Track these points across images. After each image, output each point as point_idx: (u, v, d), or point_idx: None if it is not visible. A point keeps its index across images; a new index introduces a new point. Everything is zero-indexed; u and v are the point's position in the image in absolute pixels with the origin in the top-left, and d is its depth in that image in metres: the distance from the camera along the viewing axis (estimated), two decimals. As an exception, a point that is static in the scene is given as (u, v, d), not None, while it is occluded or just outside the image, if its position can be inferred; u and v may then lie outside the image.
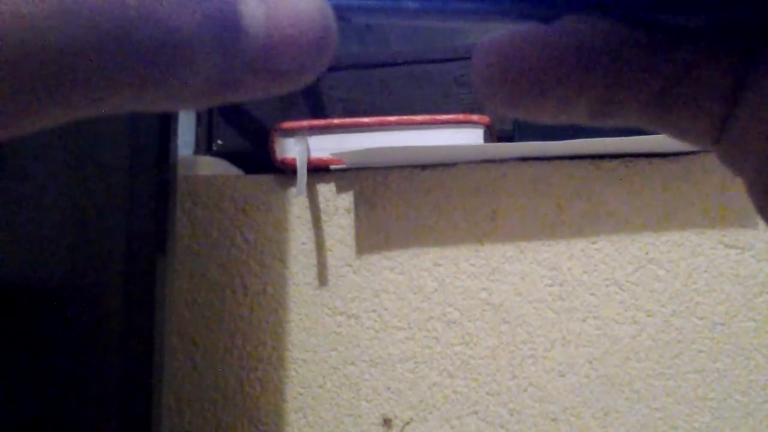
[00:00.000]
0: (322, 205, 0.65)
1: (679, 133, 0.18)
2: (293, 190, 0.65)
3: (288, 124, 0.64)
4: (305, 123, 0.64)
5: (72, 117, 0.14)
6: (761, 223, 0.60)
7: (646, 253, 0.61)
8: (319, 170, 0.64)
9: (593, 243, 0.62)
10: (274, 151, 0.64)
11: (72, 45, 0.13)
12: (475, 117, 0.62)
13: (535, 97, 0.17)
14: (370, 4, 0.17)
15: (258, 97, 0.16)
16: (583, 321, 0.61)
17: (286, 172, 0.65)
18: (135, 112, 0.15)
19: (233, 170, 0.69)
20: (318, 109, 0.68)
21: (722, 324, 0.60)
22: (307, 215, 0.65)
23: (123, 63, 0.13)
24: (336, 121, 0.64)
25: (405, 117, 0.63)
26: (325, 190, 0.65)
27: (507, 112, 0.17)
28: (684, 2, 0.17)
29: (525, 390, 0.62)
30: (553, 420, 0.61)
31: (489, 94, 0.17)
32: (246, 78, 0.15)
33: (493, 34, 0.17)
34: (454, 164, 0.64)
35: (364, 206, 0.64)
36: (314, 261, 0.65)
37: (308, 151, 0.64)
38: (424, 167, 0.64)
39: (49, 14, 0.13)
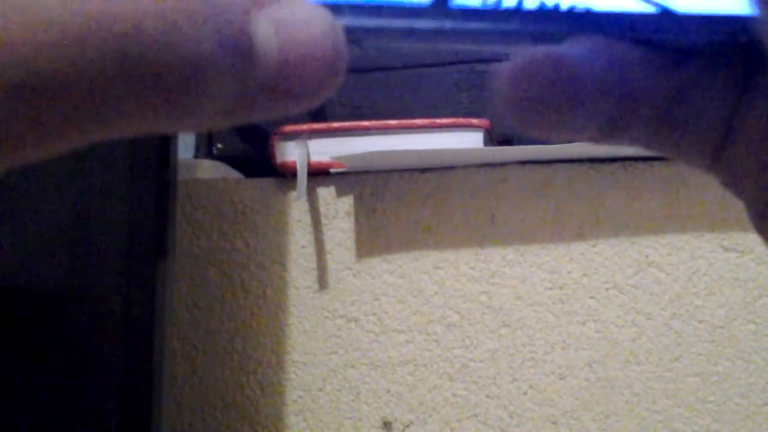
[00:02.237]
0: (322, 209, 0.65)
1: (680, 155, 0.19)
2: (293, 194, 0.65)
3: (288, 128, 0.64)
4: (305, 126, 0.64)
5: (89, 141, 0.14)
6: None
7: (646, 257, 0.61)
8: (319, 174, 0.65)
9: (593, 246, 0.62)
10: (274, 155, 0.64)
11: (87, 71, 0.13)
12: (474, 120, 0.62)
13: (556, 119, 0.17)
14: (382, 26, 0.17)
15: (271, 117, 0.16)
16: (583, 324, 0.61)
17: (286, 175, 0.65)
18: (150, 133, 0.15)
19: (233, 174, 0.69)
20: (318, 113, 0.68)
21: (722, 327, 0.60)
22: (307, 219, 0.65)
23: (138, 89, 0.14)
24: (336, 124, 0.64)
25: (405, 120, 0.63)
26: (325, 193, 0.65)
27: (531, 134, 0.18)
28: (682, 24, 0.17)
29: (525, 393, 0.62)
30: (553, 423, 0.61)
31: (515, 120, 0.17)
32: (259, 100, 0.15)
33: (511, 60, 0.17)
34: (453, 168, 0.64)
35: (364, 210, 0.65)
36: (314, 264, 0.65)
37: (308, 154, 0.64)
38: (423, 171, 0.64)
39: (64, 41, 0.13)
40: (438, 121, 0.63)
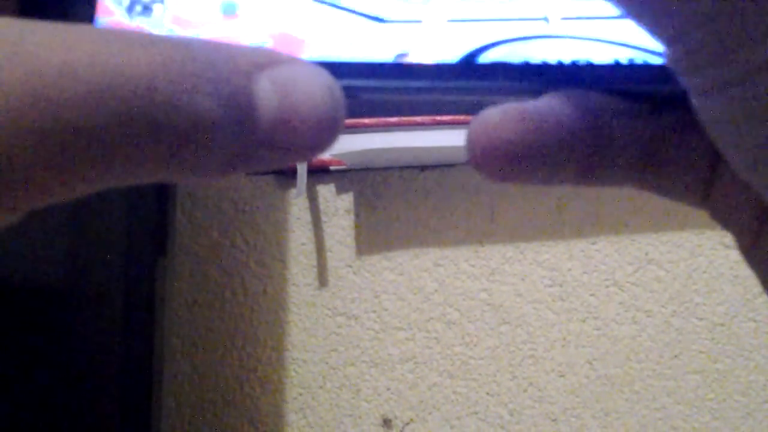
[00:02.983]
0: (322, 206, 0.65)
1: (667, 194, 0.19)
2: (293, 191, 0.65)
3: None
4: (305, 124, 0.64)
5: (89, 191, 0.15)
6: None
7: (646, 254, 0.61)
8: (319, 171, 0.64)
9: (593, 244, 0.62)
10: (274, 152, 0.64)
11: (97, 125, 0.14)
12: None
13: (522, 171, 0.18)
14: (378, 85, 0.19)
15: (269, 169, 0.17)
16: (583, 321, 0.61)
17: (286, 173, 0.65)
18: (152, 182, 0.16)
19: (233, 171, 0.69)
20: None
21: (722, 324, 0.60)
22: (307, 216, 0.65)
23: (145, 143, 0.14)
24: (336, 122, 0.64)
25: (405, 117, 0.63)
26: (325, 191, 0.65)
27: (499, 183, 0.19)
28: (658, 75, 0.18)
29: (525, 390, 0.62)
30: (553, 420, 0.61)
31: (483, 172, 0.18)
32: (259, 155, 0.16)
33: (483, 112, 0.18)
34: (454, 165, 0.64)
35: (364, 207, 0.65)
36: (314, 262, 0.65)
37: (308, 152, 0.64)
38: (424, 168, 0.64)
39: (78, 95, 0.14)
40: (438, 118, 0.63)
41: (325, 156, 0.64)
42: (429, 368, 0.63)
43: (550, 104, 0.18)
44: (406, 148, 0.62)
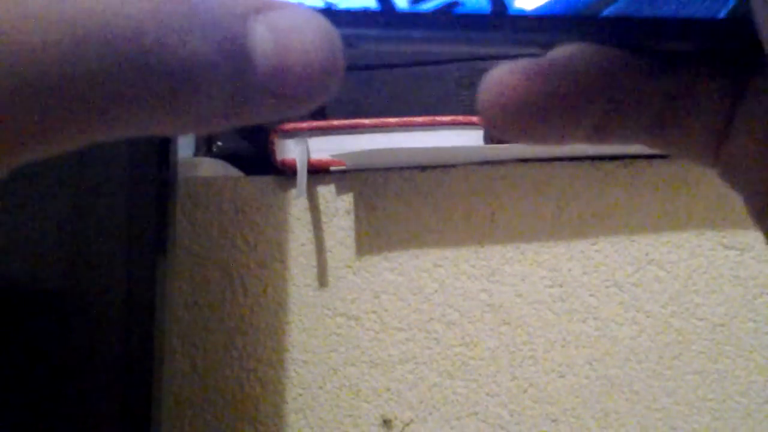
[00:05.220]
0: (322, 207, 0.65)
1: (679, 152, 0.19)
2: (293, 192, 0.65)
3: (288, 126, 0.64)
4: (305, 124, 0.64)
5: (88, 141, 0.15)
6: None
7: (646, 255, 0.61)
8: (319, 172, 0.64)
9: (593, 244, 0.62)
10: (274, 153, 0.64)
11: (86, 73, 0.14)
12: (475, 118, 0.62)
13: (536, 127, 0.18)
14: (379, 34, 0.17)
15: (267, 120, 0.16)
16: (583, 322, 0.61)
17: (286, 173, 0.65)
18: (150, 135, 0.16)
19: (233, 172, 0.69)
20: (318, 111, 0.68)
21: (722, 325, 0.60)
22: (307, 217, 0.65)
23: (137, 90, 0.14)
24: (336, 122, 0.64)
25: (405, 118, 0.63)
26: (325, 191, 0.65)
27: (512, 141, 0.18)
28: (674, 30, 0.17)
29: (525, 391, 0.62)
30: (553, 421, 0.61)
31: (495, 129, 0.18)
32: (256, 103, 0.16)
33: (494, 69, 0.18)
34: (454, 166, 0.64)
35: (364, 208, 0.65)
36: (314, 262, 0.65)
37: (308, 152, 0.64)
38: (424, 169, 0.64)
39: (63, 43, 0.13)
40: (438, 118, 0.63)
41: (326, 157, 0.64)
42: (429, 369, 0.63)
43: (563, 58, 0.17)
44: (406, 148, 0.62)
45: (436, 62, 0.68)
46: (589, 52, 0.17)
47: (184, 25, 0.14)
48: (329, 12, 0.17)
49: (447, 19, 0.17)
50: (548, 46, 0.18)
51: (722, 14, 0.17)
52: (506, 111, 0.17)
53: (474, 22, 0.17)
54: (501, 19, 0.17)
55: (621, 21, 0.17)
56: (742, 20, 0.17)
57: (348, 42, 0.17)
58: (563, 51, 0.18)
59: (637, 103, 0.18)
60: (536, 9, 0.17)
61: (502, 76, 0.17)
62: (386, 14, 0.17)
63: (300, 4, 0.16)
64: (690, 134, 0.18)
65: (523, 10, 0.17)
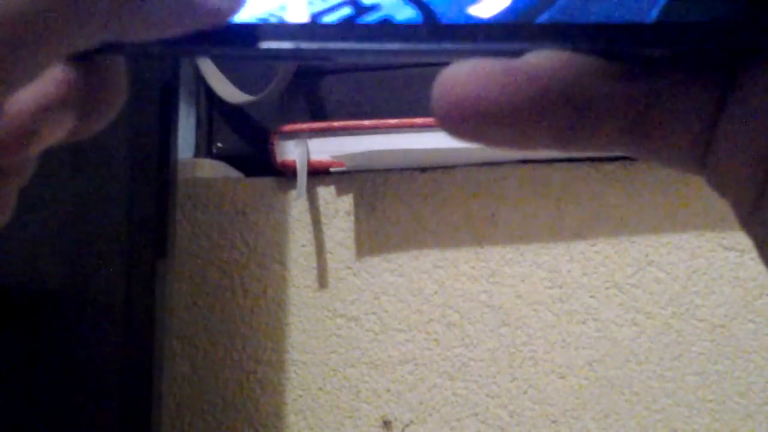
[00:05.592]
0: (322, 208, 0.65)
1: (660, 157, 0.18)
2: (293, 193, 0.65)
3: (288, 127, 0.64)
4: (305, 125, 0.64)
5: (60, 55, 0.17)
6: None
7: (646, 256, 0.61)
8: (319, 173, 0.65)
9: (593, 245, 0.62)
10: (274, 154, 0.64)
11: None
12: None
13: (491, 130, 0.17)
14: (354, 48, 0.18)
15: (201, 26, 0.18)
16: (583, 323, 0.61)
17: (286, 174, 0.65)
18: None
19: (233, 173, 0.69)
20: (318, 112, 0.68)
21: (722, 326, 0.60)
22: (307, 218, 0.65)
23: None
24: (336, 123, 0.64)
25: (405, 119, 0.63)
26: (325, 192, 0.65)
27: (467, 142, 0.18)
28: (650, 37, 0.17)
29: (525, 392, 0.62)
30: (553, 422, 0.61)
31: (446, 126, 0.17)
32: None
33: (451, 66, 0.17)
34: (453, 167, 0.64)
35: (364, 209, 0.65)
36: (314, 263, 0.65)
37: (308, 153, 0.64)
38: (423, 170, 0.64)
39: None
40: (438, 120, 0.63)
41: (326, 158, 0.64)
42: (429, 370, 0.63)
43: (526, 62, 0.17)
44: (405, 150, 0.62)
45: (436, 63, 0.68)
46: (558, 57, 0.17)
47: None
48: (307, 27, 0.17)
49: (417, 31, 0.17)
50: (515, 53, 0.17)
51: (653, 16, 0.17)
52: (460, 109, 0.17)
53: (439, 32, 0.17)
54: (466, 28, 0.17)
55: (594, 26, 0.17)
56: (718, 23, 0.17)
57: (327, 56, 0.17)
58: (533, 55, 0.17)
59: (608, 108, 0.17)
60: (496, 16, 0.17)
61: (460, 73, 0.17)
62: (356, 27, 0.17)
63: None
64: (672, 141, 0.18)
65: (481, 19, 0.17)
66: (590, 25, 0.17)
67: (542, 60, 0.17)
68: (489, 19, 0.17)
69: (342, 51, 0.18)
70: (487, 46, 0.17)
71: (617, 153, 0.18)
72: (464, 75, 0.17)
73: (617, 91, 0.17)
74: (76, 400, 0.53)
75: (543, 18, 0.17)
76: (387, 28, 0.17)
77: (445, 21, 0.17)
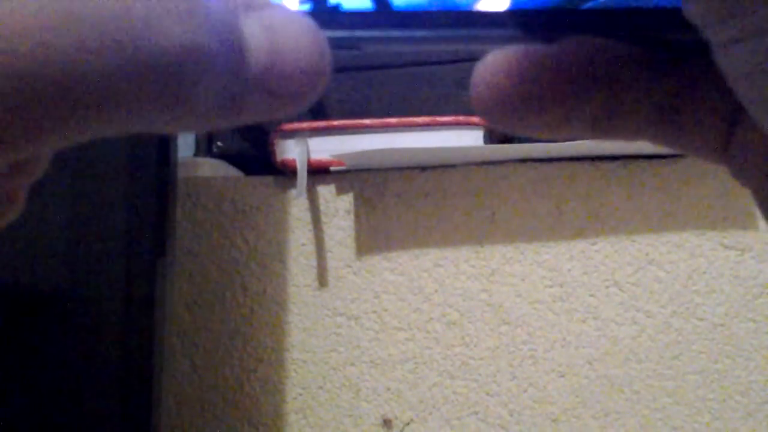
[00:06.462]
0: (322, 207, 0.65)
1: (686, 147, 0.18)
2: (293, 192, 0.65)
3: (288, 126, 0.64)
4: (305, 125, 0.64)
5: (88, 137, 0.14)
6: (761, 224, 0.60)
7: (646, 255, 0.61)
8: (319, 172, 0.64)
9: (593, 244, 0.62)
10: (274, 153, 0.64)
11: (73, 55, 0.13)
12: (475, 118, 0.62)
13: (529, 114, 0.17)
14: (381, 35, 0.17)
15: (260, 119, 0.16)
16: (583, 322, 0.61)
17: (286, 173, 0.65)
18: (142, 133, 0.15)
19: (233, 172, 0.69)
20: (318, 111, 0.68)
21: (722, 325, 0.60)
22: (307, 217, 0.65)
23: (128, 76, 0.13)
24: (336, 122, 0.64)
25: (405, 118, 0.63)
26: (325, 191, 0.65)
27: (504, 130, 0.18)
28: (681, 22, 0.17)
29: (525, 391, 0.62)
30: (553, 421, 0.61)
31: (486, 113, 0.17)
32: (250, 99, 0.15)
33: (492, 53, 0.17)
34: (454, 166, 0.64)
35: (364, 208, 0.65)
36: (314, 262, 0.65)
37: (308, 152, 0.64)
38: (424, 169, 0.64)
39: (52, 25, 0.13)
40: (438, 119, 0.63)
41: (326, 157, 0.64)
42: (429, 368, 0.63)
43: (561, 50, 0.17)
44: (406, 149, 0.62)
45: (437, 62, 0.68)
46: (594, 44, 0.17)
47: (183, 12, 0.14)
48: (332, 14, 0.17)
49: (447, 17, 0.17)
50: (549, 41, 0.17)
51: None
52: (497, 97, 0.17)
53: (475, 18, 0.17)
54: (497, 15, 0.17)
55: (625, 12, 0.17)
56: None
57: (352, 45, 0.17)
58: (567, 42, 0.17)
59: (639, 96, 0.17)
60: (534, 2, 0.17)
61: (497, 62, 0.17)
62: (386, 14, 0.17)
63: (288, 6, 0.16)
64: (698, 129, 0.18)
65: (519, 4, 0.17)
66: (622, 11, 0.17)
67: (576, 47, 0.17)
68: (519, 5, 0.17)
69: (371, 39, 0.17)
70: (518, 33, 0.17)
71: (639, 145, 0.18)
72: (500, 63, 0.17)
73: (645, 81, 0.17)
74: (76, 398, 0.53)
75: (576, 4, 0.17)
76: (418, 16, 0.17)
77: (476, 8, 0.17)
